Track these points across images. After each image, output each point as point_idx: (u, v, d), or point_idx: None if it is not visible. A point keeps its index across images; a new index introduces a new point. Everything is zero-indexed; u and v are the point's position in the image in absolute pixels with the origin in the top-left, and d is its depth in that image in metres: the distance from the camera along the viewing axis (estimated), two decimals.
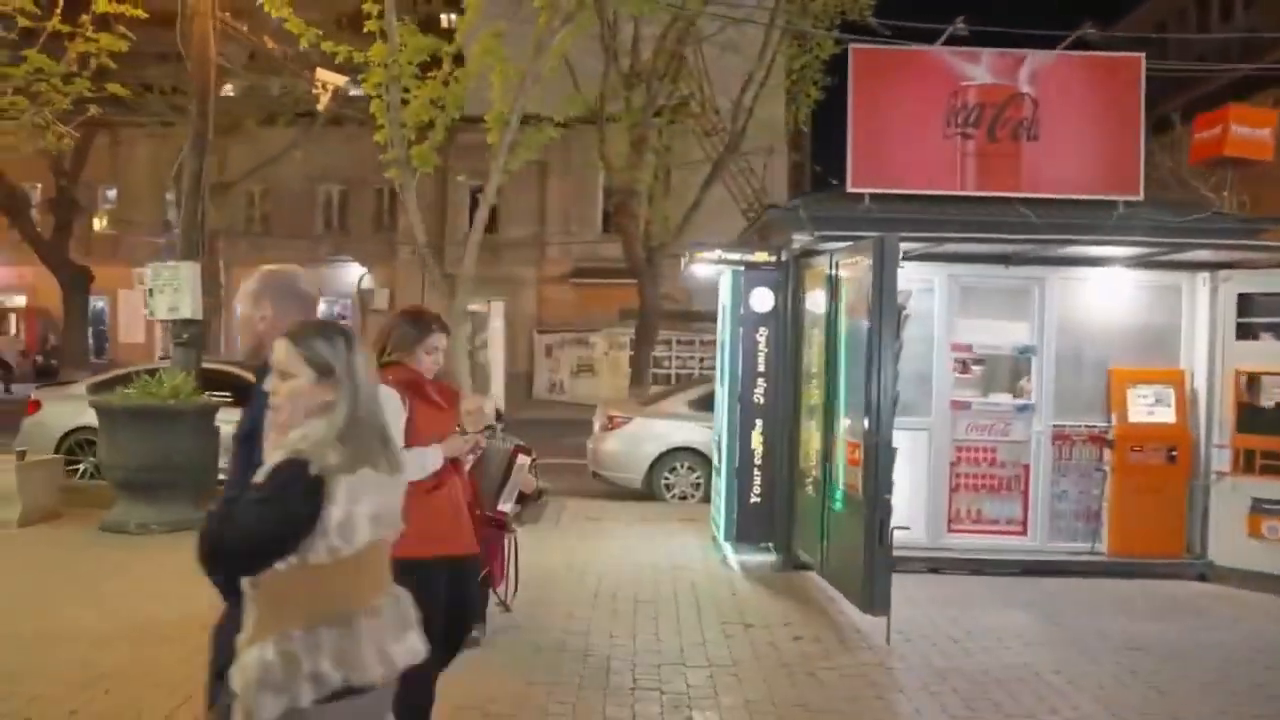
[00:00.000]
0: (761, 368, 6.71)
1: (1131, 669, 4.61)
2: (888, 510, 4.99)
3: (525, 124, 8.04)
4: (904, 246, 6.29)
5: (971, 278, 6.79)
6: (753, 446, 6.76)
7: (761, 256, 6.66)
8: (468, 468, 3.40)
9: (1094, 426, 6.77)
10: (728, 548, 6.85)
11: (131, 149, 25.40)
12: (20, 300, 26.10)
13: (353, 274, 25.78)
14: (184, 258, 8.46)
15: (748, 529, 6.80)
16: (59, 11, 8.66)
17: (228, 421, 8.98)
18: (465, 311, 8.45)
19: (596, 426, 10.10)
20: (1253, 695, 4.33)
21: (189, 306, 8.26)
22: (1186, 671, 4.60)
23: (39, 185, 23.14)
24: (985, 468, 6.84)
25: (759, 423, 6.73)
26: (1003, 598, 5.91)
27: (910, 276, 6.67)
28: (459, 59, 7.83)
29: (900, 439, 6.70)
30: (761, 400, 6.72)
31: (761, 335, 6.71)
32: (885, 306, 4.97)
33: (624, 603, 5.59)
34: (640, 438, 9.63)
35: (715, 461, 7.41)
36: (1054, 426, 6.76)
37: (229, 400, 9.73)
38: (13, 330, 26.09)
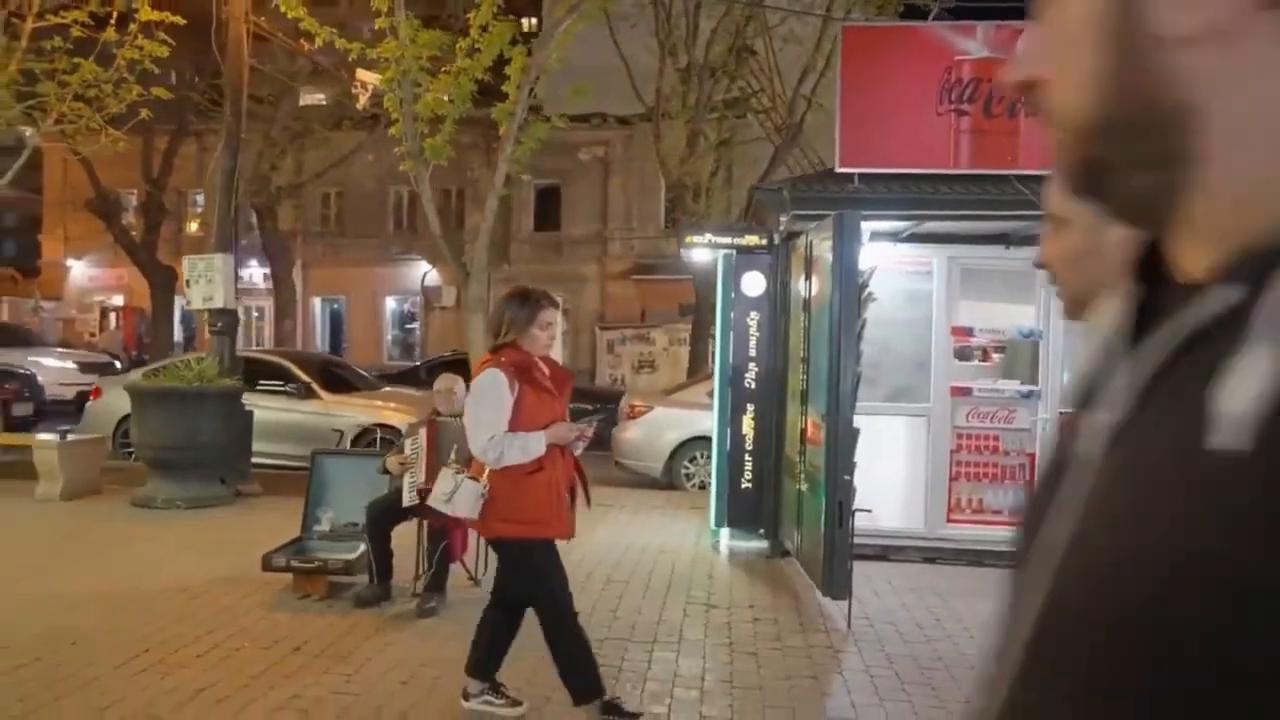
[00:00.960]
0: (753, 352, 6.65)
1: None
2: (848, 492, 4.90)
3: (535, 115, 8.15)
4: (893, 226, 6.20)
5: (972, 259, 6.58)
6: (744, 432, 6.71)
7: (752, 240, 6.60)
8: (578, 452, 3.42)
9: None
10: (721, 534, 6.81)
11: (215, 154, 26.72)
12: (119, 299, 27.75)
13: (420, 272, 26.52)
14: (218, 250, 8.90)
15: (738, 515, 6.75)
16: (113, 22, 9.20)
17: (266, 407, 9.49)
18: (480, 300, 8.58)
19: (619, 416, 10.17)
20: None
21: (222, 296, 8.69)
22: None
23: (134, 191, 24.50)
24: (987, 456, 6.61)
25: (750, 407, 6.68)
26: (993, 590, 5.70)
27: (905, 258, 6.57)
28: (473, 52, 7.99)
29: (897, 425, 6.65)
30: (753, 385, 6.66)
31: (752, 319, 6.65)
32: (845, 284, 4.88)
33: (596, 581, 5.64)
34: (660, 426, 9.65)
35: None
36: (1061, 414, 6.49)
37: (278, 388, 10.28)
38: (113, 326, 27.79)
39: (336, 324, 27.80)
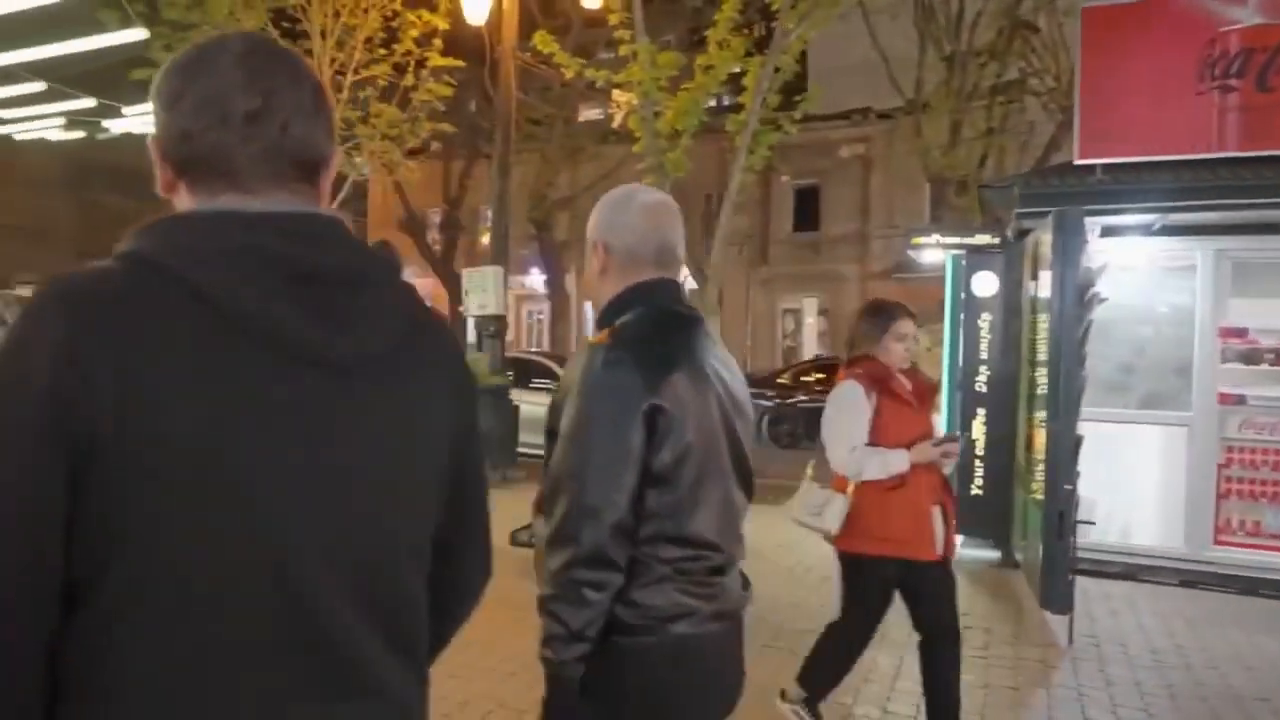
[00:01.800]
0: (984, 355, 6.43)
1: None
2: (1069, 502, 4.66)
3: (766, 124, 8.36)
4: (1140, 220, 5.75)
5: (1245, 252, 5.90)
6: (974, 437, 6.49)
7: (982, 239, 6.39)
8: (947, 470, 3.26)
9: None
10: None
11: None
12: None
13: (686, 278, 27.56)
14: (493, 263, 10.06)
15: (969, 522, 6.48)
16: (410, 69, 10.72)
17: (531, 403, 10.57)
18: (715, 306, 8.94)
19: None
20: None
21: (494, 303, 9.82)
22: None
23: (439, 209, 27.75)
24: (1266, 473, 5.88)
25: (980, 412, 6.45)
26: (1261, 622, 5.11)
27: (1163, 253, 6.06)
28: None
29: (1152, 435, 6.15)
30: (984, 389, 6.43)
31: (984, 321, 6.42)
32: (1066, 285, 4.64)
33: (814, 575, 5.81)
34: None
35: None
36: None
37: (543, 386, 11.40)
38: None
39: None
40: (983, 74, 16.56)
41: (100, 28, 8.40)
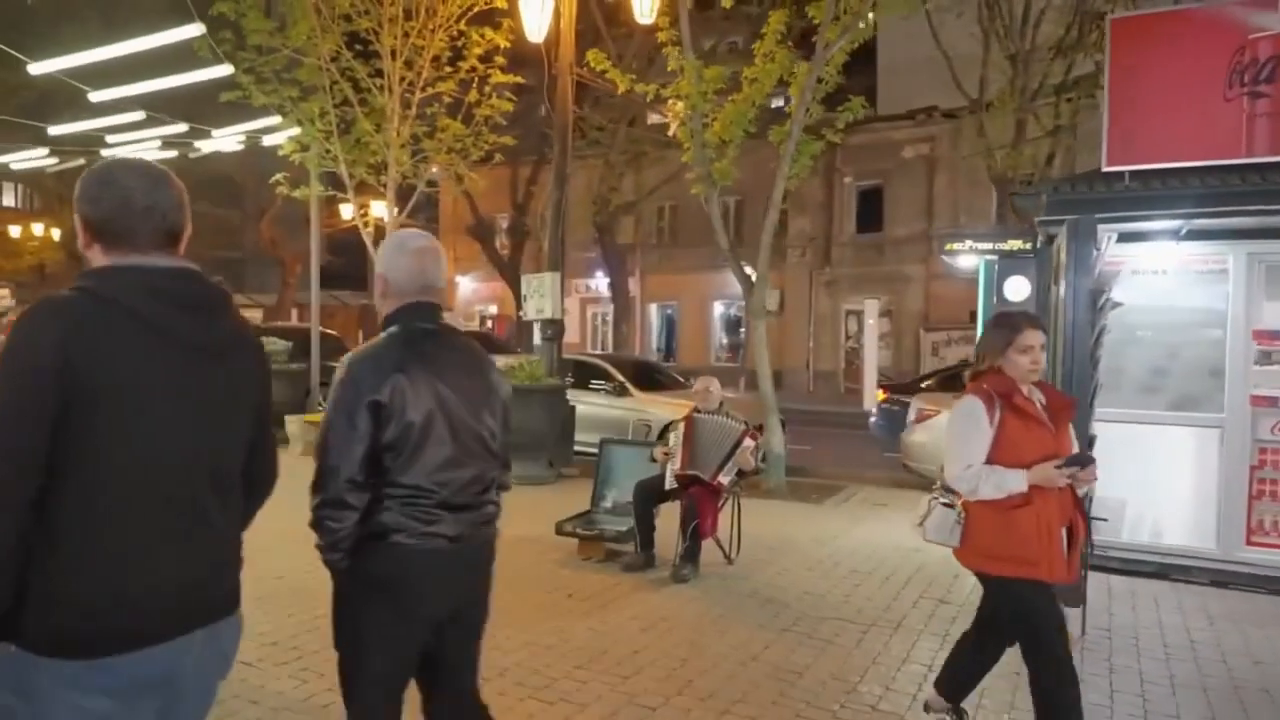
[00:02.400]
0: None
1: None
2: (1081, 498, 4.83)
3: (809, 132, 8.62)
4: (1172, 225, 5.88)
5: (1279, 255, 5.95)
6: None
7: (1014, 244, 6.56)
8: (1082, 492, 3.17)
9: None
10: None
11: (574, 178, 30.14)
12: (494, 309, 32.51)
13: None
14: (550, 269, 10.54)
15: None
16: (475, 87, 11.30)
17: (588, 403, 11.02)
18: (763, 308, 9.23)
19: (909, 419, 10.25)
20: None
21: (550, 308, 10.29)
22: None
23: (507, 215, 28.54)
24: None
25: None
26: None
27: (1196, 257, 6.16)
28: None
29: (1184, 437, 6.26)
30: None
31: None
32: (1078, 291, 4.84)
33: (841, 569, 6.06)
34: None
35: None
36: None
37: (599, 387, 11.85)
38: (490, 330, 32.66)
39: (670, 328, 30.00)
40: (1050, 71, 16.37)
41: (195, 65, 9.16)
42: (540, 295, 10.28)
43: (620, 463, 6.67)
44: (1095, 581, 5.81)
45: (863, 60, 28.22)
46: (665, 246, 29.32)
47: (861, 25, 8.11)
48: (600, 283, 27.63)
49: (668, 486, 5.91)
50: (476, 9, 11.05)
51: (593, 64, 9.07)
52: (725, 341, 29.51)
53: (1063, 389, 5.09)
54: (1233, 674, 4.33)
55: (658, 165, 24.27)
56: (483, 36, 11.10)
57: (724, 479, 5.84)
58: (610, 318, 27.55)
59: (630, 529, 6.00)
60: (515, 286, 26.25)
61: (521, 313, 10.96)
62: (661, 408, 11.01)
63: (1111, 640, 4.76)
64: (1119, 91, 6.02)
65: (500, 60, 11.16)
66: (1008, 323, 3.15)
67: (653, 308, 30.03)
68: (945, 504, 3.16)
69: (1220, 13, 5.87)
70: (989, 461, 2.99)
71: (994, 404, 3.01)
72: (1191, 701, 3.99)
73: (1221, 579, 5.91)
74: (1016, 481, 2.94)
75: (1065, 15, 16.29)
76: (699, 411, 6.10)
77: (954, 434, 3.12)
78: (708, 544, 5.92)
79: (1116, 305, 5.33)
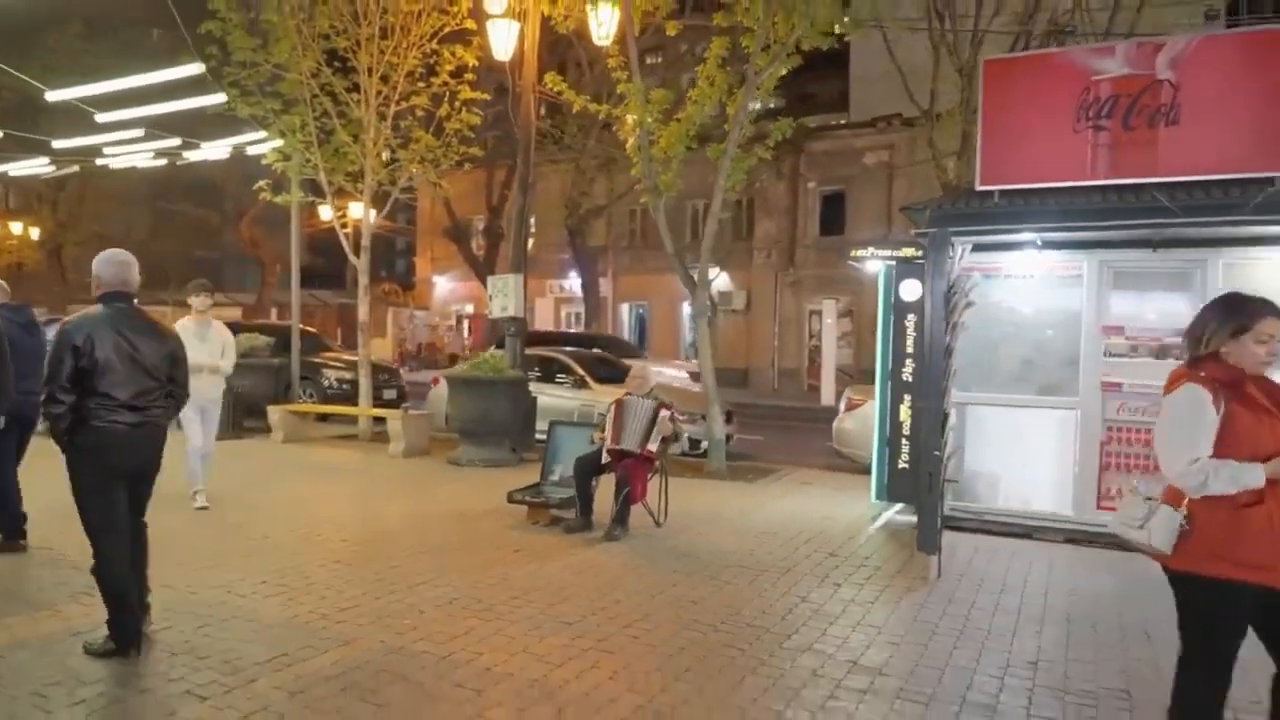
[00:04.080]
0: (910, 349, 7.60)
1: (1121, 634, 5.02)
2: (935, 465, 5.84)
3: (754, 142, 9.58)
4: (1043, 237, 6.90)
5: (1123, 263, 6.99)
6: (901, 419, 7.67)
7: (908, 252, 7.55)
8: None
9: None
10: (880, 507, 7.83)
11: (547, 182, 31.02)
12: (470, 308, 33.35)
13: (710, 279, 28.79)
14: (513, 271, 11.45)
15: (897, 491, 7.74)
16: (445, 103, 12.18)
17: (551, 394, 11.95)
18: (705, 308, 10.16)
19: (840, 408, 11.26)
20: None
21: (514, 306, 11.21)
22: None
23: (483, 217, 29.35)
24: (1139, 448, 6.96)
25: (906, 398, 7.63)
26: (1106, 566, 6.20)
27: (1057, 264, 7.18)
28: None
29: (1048, 418, 7.28)
30: (909, 378, 7.61)
31: (910, 321, 7.59)
32: (935, 292, 5.83)
33: (754, 533, 7.02)
34: (873, 417, 10.61)
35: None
36: None
37: (561, 380, 12.75)
38: (466, 331, 33.47)
39: (642, 327, 30.95)
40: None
41: (192, 91, 10.01)
42: (504, 295, 11.19)
43: (566, 441, 7.60)
44: (965, 540, 6.85)
45: (837, 67, 29.47)
46: (636, 248, 30.23)
47: (789, 55, 9.08)
48: (573, 283, 28.50)
49: (604, 461, 6.86)
50: (448, 29, 11.93)
51: (550, 85, 10.01)
52: (694, 339, 30.45)
53: (921, 376, 6.09)
54: (1049, 603, 5.34)
55: (628, 170, 25.11)
56: (453, 54, 11.98)
57: (652, 446, 6.81)
58: (582, 317, 28.42)
59: (572, 497, 6.94)
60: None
61: (488, 311, 11.84)
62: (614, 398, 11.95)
63: (961, 581, 5.75)
64: (991, 121, 7.05)
65: (470, 76, 12.05)
66: (1243, 308, 2.87)
67: (625, 307, 30.97)
68: (1167, 505, 2.89)
69: (1072, 57, 6.93)
70: (1216, 456, 2.76)
71: (1219, 393, 2.77)
72: (1026, 629, 4.94)
73: (1075, 537, 6.94)
74: (1254, 476, 2.71)
75: (1009, 34, 17.34)
76: (630, 395, 7.05)
77: (1175, 425, 2.86)
78: (640, 511, 6.88)
79: (970, 304, 6.33)
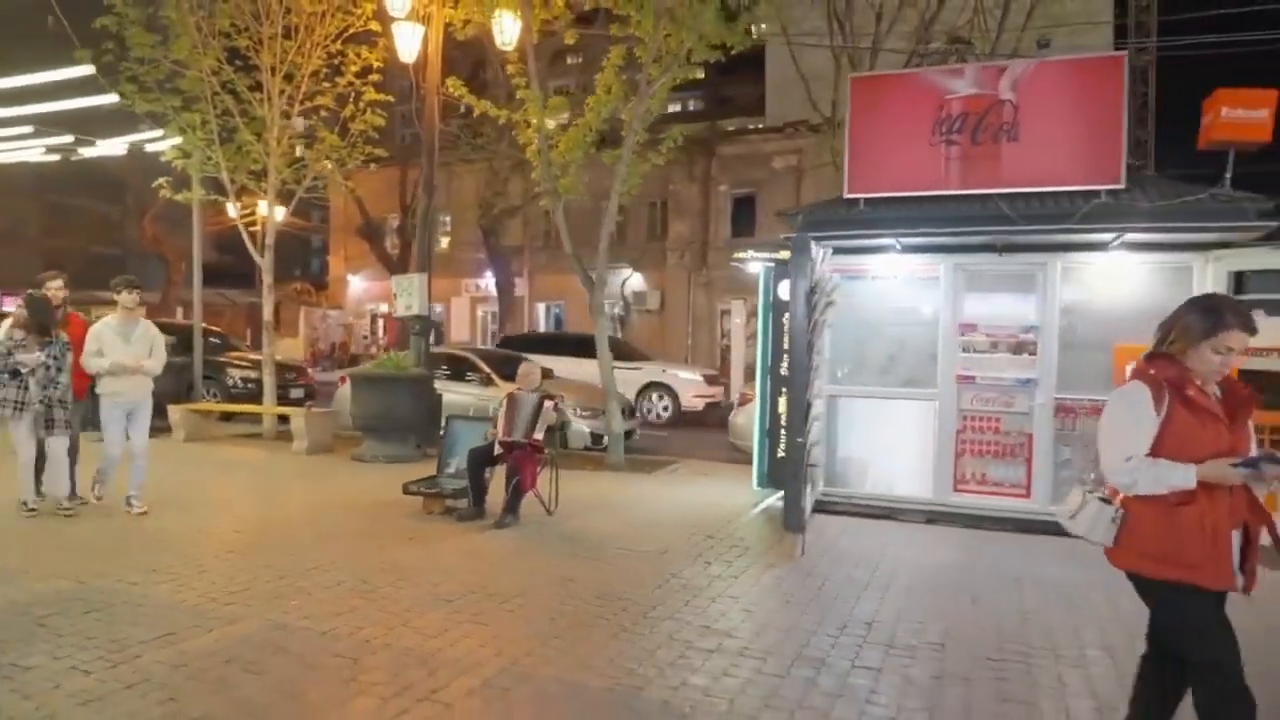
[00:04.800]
0: (786, 345, 8.13)
1: (974, 602, 5.60)
2: (800, 451, 6.36)
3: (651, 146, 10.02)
4: (901, 241, 7.48)
5: (976, 266, 7.65)
6: (780, 411, 8.20)
7: (784, 254, 8.08)
8: (1262, 493, 2.80)
9: (1099, 400, 7.27)
10: (761, 493, 8.35)
11: (462, 181, 30.99)
12: (384, 307, 33.05)
13: (634, 280, 29.30)
14: (418, 270, 11.64)
15: (776, 478, 8.26)
16: (350, 103, 12.27)
17: (458, 392, 12.17)
18: (602, 307, 10.55)
19: (735, 403, 11.81)
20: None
21: (418, 305, 11.40)
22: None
23: (397, 215, 29.17)
24: (990, 435, 7.63)
25: (784, 391, 8.15)
26: (953, 542, 6.82)
27: (918, 266, 7.79)
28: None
29: (911, 408, 7.89)
30: (786, 372, 8.13)
31: (785, 319, 8.12)
32: (796, 292, 6.34)
33: (641, 519, 7.43)
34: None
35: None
36: (1056, 399, 7.37)
37: (469, 378, 12.96)
38: (381, 332, 33.15)
39: (558, 327, 31.20)
40: None
41: (84, 91, 9.89)
42: (408, 294, 11.37)
43: (462, 435, 7.89)
44: (836, 522, 7.40)
45: (754, 71, 30.23)
46: (552, 248, 30.44)
47: (680, 66, 9.53)
48: (489, 282, 28.58)
49: (496, 453, 7.19)
50: (352, 30, 12.03)
51: (451, 89, 10.26)
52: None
53: (788, 370, 6.60)
54: (884, 573, 5.89)
55: (581, 170, 25.41)
56: (359, 55, 12.09)
57: (538, 435, 7.16)
58: (498, 316, 28.53)
59: (466, 488, 7.23)
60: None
61: (393, 310, 11.99)
62: None
63: (823, 558, 6.27)
64: (857, 135, 7.63)
65: (375, 77, 12.17)
66: (1215, 312, 2.77)
67: (541, 306, 31.19)
68: (1102, 499, 2.89)
69: (928, 77, 7.55)
70: (1153, 455, 2.74)
71: (1162, 392, 2.75)
72: (870, 596, 5.46)
73: (933, 517, 7.57)
74: (1183, 477, 2.67)
75: (907, 46, 18.21)
76: (519, 391, 7.39)
77: (1113, 421, 2.85)
78: (533, 500, 7.22)
79: (830, 304, 6.88)
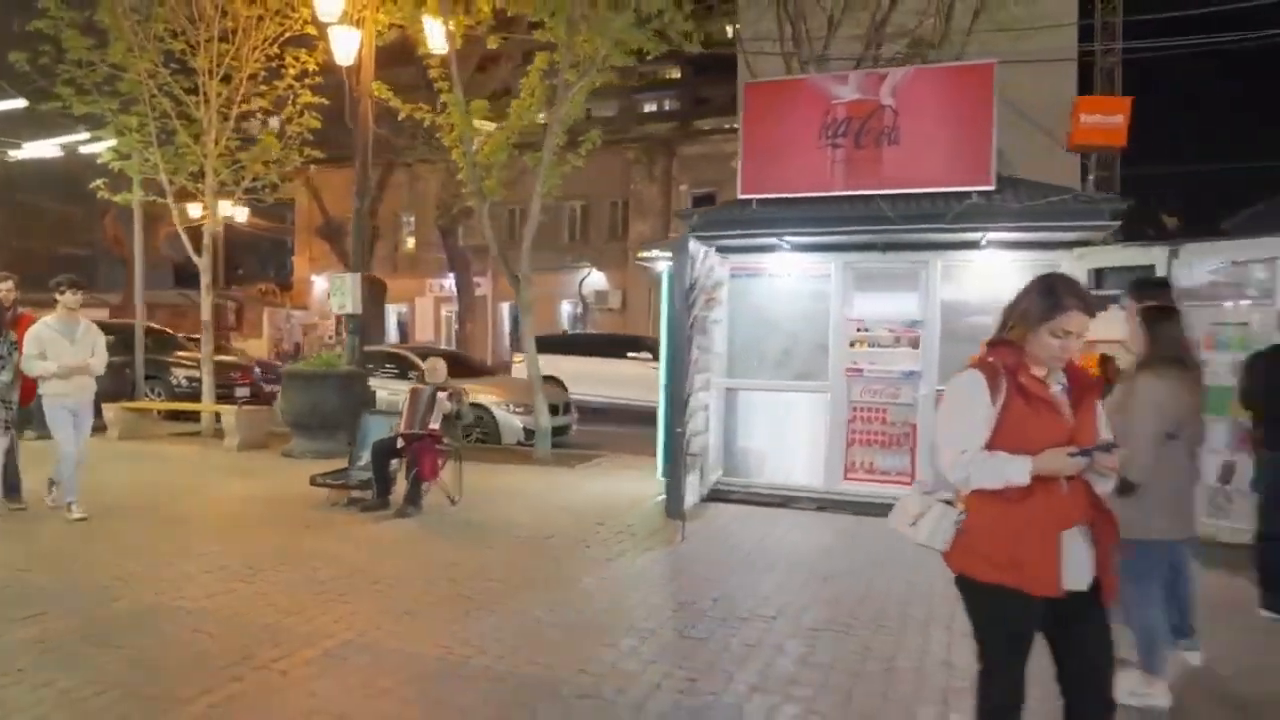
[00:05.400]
0: None
1: (825, 579, 5.94)
2: (679, 441, 6.67)
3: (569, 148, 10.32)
4: (790, 240, 7.81)
5: (864, 264, 7.99)
6: None
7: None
8: (1101, 487, 2.62)
9: None
10: (665, 482, 8.66)
11: (425, 182, 31.15)
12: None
13: (593, 279, 29.60)
14: (353, 270, 11.88)
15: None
16: (288, 106, 12.49)
17: (395, 390, 12.41)
18: (530, 305, 10.84)
19: None
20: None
21: (352, 304, 11.65)
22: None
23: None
24: (878, 426, 7.98)
25: None
26: (845, 532, 7.15)
27: (810, 265, 8.13)
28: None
29: (803, 400, 8.22)
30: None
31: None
32: (677, 290, 6.65)
33: (550, 509, 7.70)
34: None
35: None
36: (939, 390, 7.71)
37: (408, 375, 13.19)
38: (345, 332, 33.30)
39: (515, 327, 31.49)
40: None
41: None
42: (342, 293, 11.61)
43: (373, 429, 8.15)
44: (730, 510, 7.72)
45: (728, 72, 30.56)
46: (512, 249, 30.63)
47: (599, 71, 9.83)
48: (452, 282, 28.78)
49: (399, 445, 7.47)
50: (290, 33, 12.25)
51: (377, 92, 10.52)
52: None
53: (666, 364, 6.90)
54: (773, 561, 6.20)
55: (504, 171, 25.63)
56: (297, 59, 12.31)
57: (434, 425, 7.45)
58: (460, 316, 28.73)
59: (371, 479, 7.50)
60: (368, 286, 27.14)
61: (329, 308, 12.25)
62: None
63: (701, 543, 6.58)
64: (750, 138, 7.95)
65: (313, 80, 12.39)
66: (1052, 293, 2.61)
67: (505, 306, 31.40)
68: (946, 502, 2.72)
69: (817, 83, 7.89)
70: (990, 448, 2.56)
71: (999, 380, 2.58)
72: (731, 575, 5.77)
73: (824, 505, 7.89)
74: (1018, 470, 2.51)
75: (854, 45, 18.50)
76: (424, 384, 7.68)
77: (948, 414, 2.69)
78: (439, 490, 7.51)
79: (713, 301, 7.20)
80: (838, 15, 18.38)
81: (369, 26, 11.45)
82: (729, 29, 24.99)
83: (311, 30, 12.14)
